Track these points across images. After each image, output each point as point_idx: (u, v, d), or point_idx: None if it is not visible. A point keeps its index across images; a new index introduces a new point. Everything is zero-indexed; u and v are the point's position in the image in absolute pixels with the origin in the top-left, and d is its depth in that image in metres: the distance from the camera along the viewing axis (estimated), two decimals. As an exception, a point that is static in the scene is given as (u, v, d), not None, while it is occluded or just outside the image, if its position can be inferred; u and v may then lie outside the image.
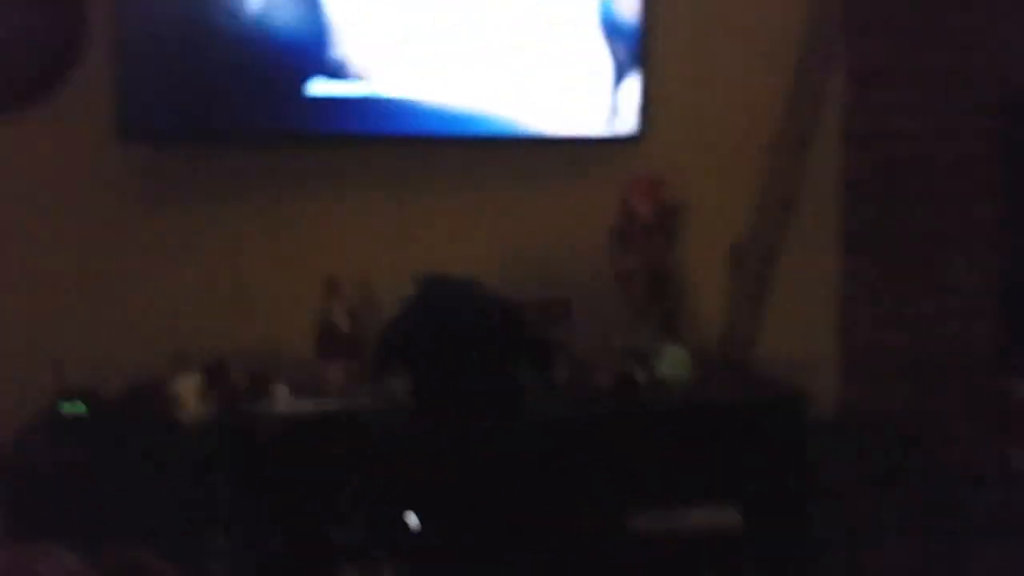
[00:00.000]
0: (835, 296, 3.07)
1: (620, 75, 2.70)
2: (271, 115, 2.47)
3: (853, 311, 3.10)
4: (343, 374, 2.35)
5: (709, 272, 2.92)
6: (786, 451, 2.50)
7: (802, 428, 2.52)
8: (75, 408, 2.19)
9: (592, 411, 2.45)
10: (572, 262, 2.73)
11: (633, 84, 2.71)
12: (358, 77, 2.50)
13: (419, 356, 2.30)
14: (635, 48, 2.70)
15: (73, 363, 2.31)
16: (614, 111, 2.72)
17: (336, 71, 2.48)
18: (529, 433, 2.36)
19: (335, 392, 2.33)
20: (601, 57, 2.69)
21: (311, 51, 2.45)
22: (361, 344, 2.41)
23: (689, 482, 2.44)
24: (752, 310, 2.94)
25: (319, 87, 2.48)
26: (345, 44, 2.48)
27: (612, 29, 2.68)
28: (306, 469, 2.14)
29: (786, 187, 2.94)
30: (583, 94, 2.68)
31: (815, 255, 3.03)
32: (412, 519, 2.22)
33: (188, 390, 2.18)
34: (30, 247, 2.48)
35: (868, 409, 3.09)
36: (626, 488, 2.38)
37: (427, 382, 2.28)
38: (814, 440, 2.67)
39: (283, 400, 2.26)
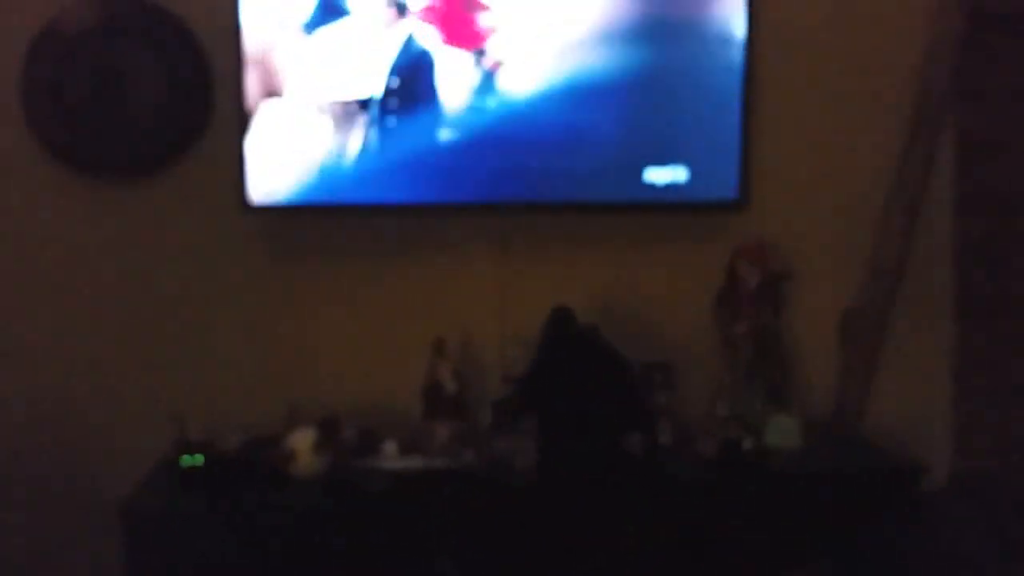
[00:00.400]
0: (948, 365, 2.98)
1: (728, 140, 2.71)
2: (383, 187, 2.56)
3: (967, 380, 2.99)
4: (448, 433, 2.38)
5: (819, 340, 2.87)
6: (899, 521, 2.41)
7: (916, 499, 2.43)
8: (194, 460, 2.27)
9: (697, 475, 2.42)
10: (677, 326, 2.73)
11: (740, 149, 2.72)
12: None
13: (548, 408, 2.30)
14: (742, 113, 2.71)
15: (193, 417, 2.41)
16: (721, 176, 2.72)
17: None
18: (635, 497, 2.33)
19: (440, 451, 2.35)
20: (705, 122, 2.71)
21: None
22: (465, 404, 2.44)
23: (798, 553, 2.38)
24: (862, 379, 2.87)
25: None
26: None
27: (721, 94, 2.70)
28: (411, 523, 2.16)
29: (897, 254, 2.87)
30: (691, 159, 2.70)
31: (927, 323, 2.95)
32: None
33: (303, 444, 2.24)
34: (157, 305, 2.61)
35: (983, 479, 2.97)
36: (733, 555, 2.33)
37: (552, 438, 2.28)
38: (928, 510, 2.58)
39: (391, 457, 2.29)
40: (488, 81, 2.55)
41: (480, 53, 2.54)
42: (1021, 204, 3.04)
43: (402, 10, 2.49)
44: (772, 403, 2.64)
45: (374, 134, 2.51)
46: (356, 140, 2.51)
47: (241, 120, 2.48)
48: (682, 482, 2.38)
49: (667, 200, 2.69)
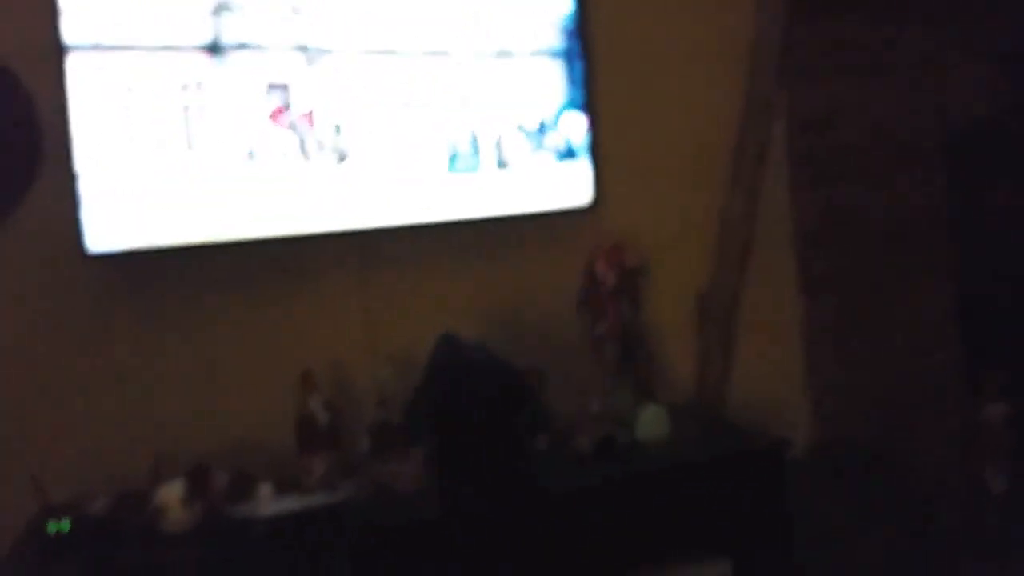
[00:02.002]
0: (800, 338, 3.10)
1: (571, 151, 2.73)
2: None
3: (818, 351, 3.12)
4: (324, 466, 2.31)
5: (677, 327, 2.94)
6: (768, 498, 2.49)
7: (782, 474, 2.51)
8: (60, 526, 2.13)
9: (579, 480, 2.43)
10: (543, 331, 2.73)
11: (584, 157, 2.74)
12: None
13: (443, 425, 2.24)
14: (583, 124, 2.74)
15: (56, 478, 2.26)
16: (569, 184, 2.74)
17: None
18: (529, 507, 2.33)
19: (318, 485, 2.29)
20: (549, 137, 2.72)
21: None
22: (340, 434, 2.38)
23: (677, 538, 2.43)
24: (721, 359, 2.95)
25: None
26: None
27: (562, 106, 2.72)
28: (296, 568, 2.10)
29: (742, 237, 2.96)
30: (536, 171, 2.71)
31: (776, 300, 3.06)
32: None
33: (171, 498, 2.13)
34: (2, 364, 2.44)
35: (842, 444, 3.10)
36: (617, 550, 2.36)
37: (449, 455, 2.22)
38: (793, 480, 2.67)
39: (267, 500, 2.21)
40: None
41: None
42: (856, 178, 3.18)
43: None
44: (641, 395, 2.68)
45: (217, 170, 2.41)
46: (196, 177, 2.40)
47: (71, 168, 2.33)
48: (563, 487, 2.39)
49: (519, 210, 2.70)
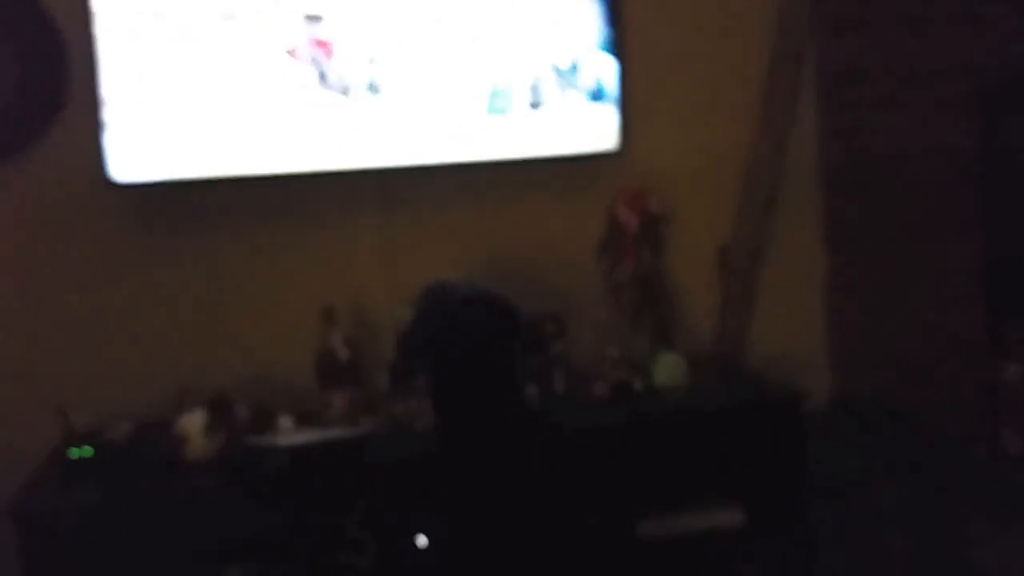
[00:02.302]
0: (822, 291, 3.08)
1: (600, 94, 2.70)
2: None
3: (840, 304, 3.09)
4: (345, 402, 2.33)
5: (699, 277, 2.92)
6: (784, 448, 2.49)
7: (798, 426, 2.51)
8: (82, 452, 2.17)
9: (594, 421, 2.44)
10: (564, 276, 2.73)
11: (612, 101, 2.71)
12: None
13: (439, 357, 2.25)
14: (613, 67, 2.69)
15: (79, 406, 2.29)
16: (595, 128, 2.71)
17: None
18: (534, 444, 2.34)
19: (337, 420, 2.31)
20: (580, 77, 2.68)
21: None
22: (360, 371, 2.40)
23: (691, 485, 2.43)
24: (742, 311, 2.93)
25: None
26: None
27: (590, 50, 2.68)
28: (314, 498, 2.12)
29: (767, 188, 2.93)
30: (565, 113, 2.68)
31: (800, 253, 3.03)
32: (422, 540, 2.20)
33: (193, 427, 2.16)
34: (28, 294, 2.47)
35: (861, 399, 3.09)
36: (630, 495, 2.36)
37: (446, 391, 2.23)
38: (810, 433, 2.67)
39: (287, 432, 2.24)
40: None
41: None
42: (885, 131, 3.13)
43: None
44: (659, 343, 2.67)
45: (241, 104, 2.40)
46: (223, 111, 2.39)
47: (98, 98, 2.33)
48: (576, 428, 2.40)
49: (546, 153, 2.68)
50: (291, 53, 2.42)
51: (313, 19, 2.43)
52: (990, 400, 3.34)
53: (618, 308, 2.70)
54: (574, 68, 2.67)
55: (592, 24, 2.67)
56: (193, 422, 2.16)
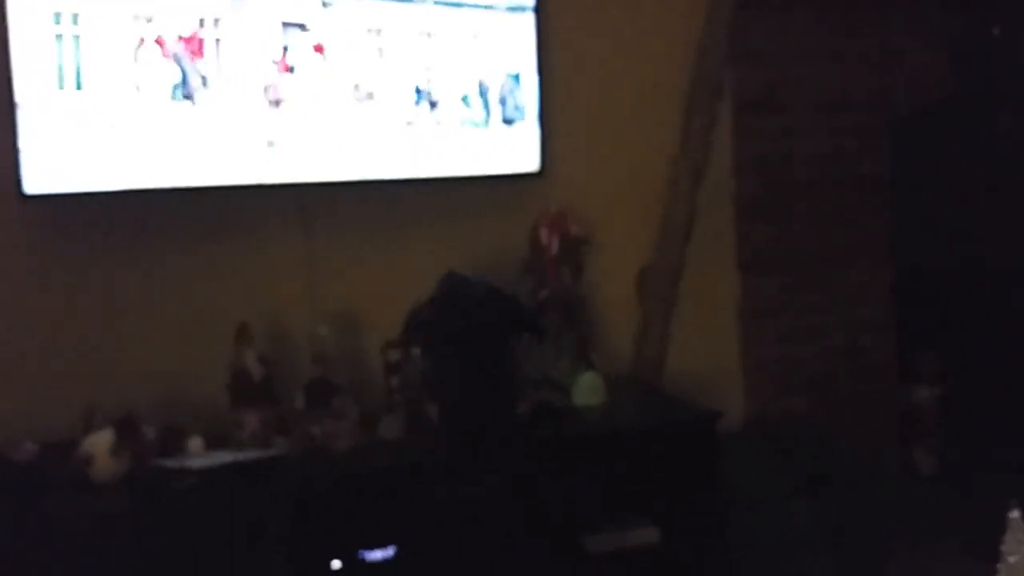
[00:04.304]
0: (738, 314, 3.12)
1: (522, 115, 2.71)
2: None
3: (755, 327, 3.14)
4: (258, 422, 2.28)
5: (620, 298, 2.93)
6: (698, 467, 2.49)
7: (713, 445, 2.52)
8: (-16, 472, 2.08)
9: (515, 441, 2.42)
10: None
11: (534, 123, 2.72)
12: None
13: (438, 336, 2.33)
14: (535, 90, 2.71)
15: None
16: (516, 150, 2.71)
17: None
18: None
19: (249, 441, 2.25)
20: (503, 100, 2.69)
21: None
22: (275, 390, 2.34)
23: (607, 504, 2.42)
24: (660, 332, 2.95)
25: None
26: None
27: (511, 77, 2.69)
28: (223, 521, 2.06)
29: (685, 213, 2.96)
30: (488, 133, 2.68)
31: (716, 276, 3.07)
32: (335, 564, 2.16)
33: (99, 447, 2.08)
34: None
35: (776, 420, 3.13)
36: (548, 514, 2.35)
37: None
38: (726, 453, 2.68)
39: (196, 453, 2.17)
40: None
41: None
42: (799, 159, 3.20)
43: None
44: (579, 363, 2.67)
45: (158, 116, 2.35)
46: (135, 122, 2.33)
47: (11, 109, 2.26)
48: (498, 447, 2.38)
49: (467, 173, 2.67)
50: (195, 59, 2.37)
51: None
52: (902, 422, 3.42)
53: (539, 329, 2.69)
54: (498, 88, 2.67)
55: (516, 45, 2.68)
56: (99, 442, 2.08)
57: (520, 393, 2.55)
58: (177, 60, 2.35)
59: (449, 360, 2.32)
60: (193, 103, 2.37)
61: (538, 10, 2.69)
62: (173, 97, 2.35)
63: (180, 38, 2.35)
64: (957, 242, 3.43)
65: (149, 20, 2.32)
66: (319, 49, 2.48)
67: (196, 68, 2.37)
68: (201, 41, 2.37)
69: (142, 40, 2.32)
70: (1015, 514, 1.74)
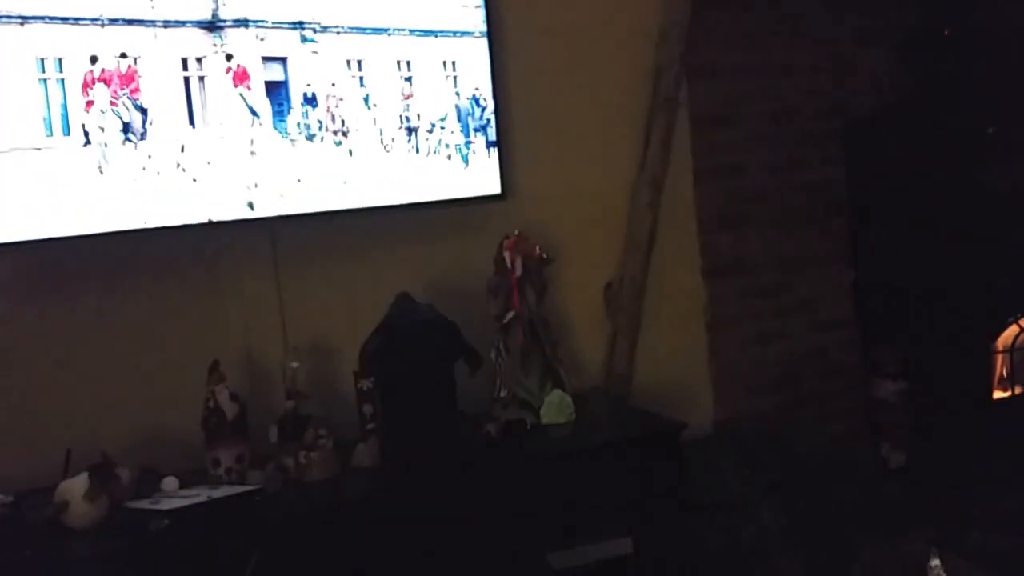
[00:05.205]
0: (703, 321, 3.15)
1: (484, 138, 2.73)
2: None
3: (721, 333, 3.17)
4: (232, 458, 2.29)
5: (587, 314, 2.96)
6: (665, 477, 2.52)
7: (678, 454, 2.55)
8: (-40, 521, 2.08)
9: (485, 460, 2.45)
10: (454, 319, 2.73)
11: (494, 146, 2.74)
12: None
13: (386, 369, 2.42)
14: (494, 116, 2.73)
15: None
16: (480, 172, 2.74)
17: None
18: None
19: (224, 478, 2.27)
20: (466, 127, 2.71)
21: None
22: (247, 426, 2.35)
23: (579, 518, 2.45)
24: (628, 345, 2.98)
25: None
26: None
27: (471, 101, 2.71)
28: (201, 560, 2.08)
29: (647, 226, 2.99)
30: (450, 158, 2.70)
31: (681, 286, 3.10)
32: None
33: (74, 493, 2.09)
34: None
35: (744, 423, 3.16)
36: (521, 530, 2.38)
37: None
38: (695, 458, 2.72)
39: (172, 493, 2.19)
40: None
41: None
42: (757, 169, 3.22)
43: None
44: (547, 382, 2.69)
45: (121, 157, 2.35)
46: (102, 164, 2.33)
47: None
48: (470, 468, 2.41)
49: (433, 199, 2.69)
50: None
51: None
52: (869, 418, 3.46)
53: (506, 348, 2.71)
54: (458, 113, 2.70)
55: (474, 68, 2.70)
56: (74, 488, 2.09)
57: (489, 414, 2.59)
58: (135, 102, 2.36)
59: (390, 390, 2.40)
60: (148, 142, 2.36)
61: (490, 35, 2.71)
62: (129, 139, 2.35)
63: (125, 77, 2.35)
64: (915, 240, 3.48)
65: (95, 60, 2.31)
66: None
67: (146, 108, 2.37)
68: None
69: (92, 80, 2.31)
70: (935, 562, 1.78)
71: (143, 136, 2.36)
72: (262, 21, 2.48)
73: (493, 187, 2.76)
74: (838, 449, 3.30)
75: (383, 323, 2.46)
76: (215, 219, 2.44)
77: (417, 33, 2.66)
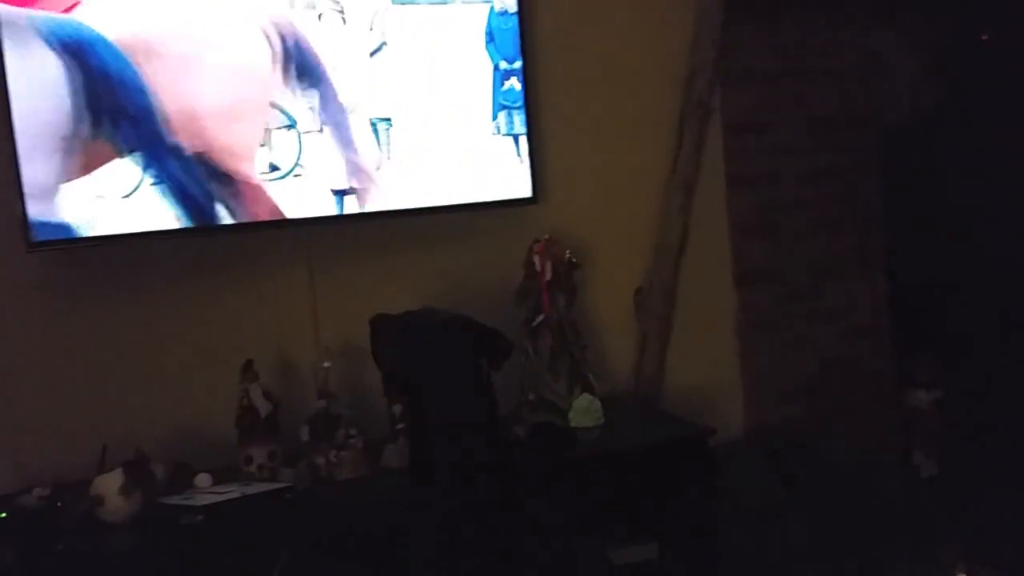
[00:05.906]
0: (734, 328, 3.12)
1: (516, 142, 2.73)
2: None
3: (752, 340, 3.14)
4: (265, 455, 2.30)
5: (617, 319, 2.95)
6: (694, 483, 2.50)
7: (708, 461, 2.52)
8: (-3, 515, 2.11)
9: (512, 463, 2.43)
10: (486, 320, 2.72)
11: (527, 149, 2.73)
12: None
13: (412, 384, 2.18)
14: (525, 120, 2.72)
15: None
16: (512, 176, 2.73)
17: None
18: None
19: (256, 475, 2.28)
20: (498, 128, 2.71)
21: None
22: (281, 423, 2.37)
23: (606, 522, 2.43)
24: (657, 350, 2.96)
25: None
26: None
27: (504, 104, 2.71)
28: (233, 556, 2.09)
29: (678, 232, 2.97)
30: (481, 161, 2.70)
31: (712, 292, 3.07)
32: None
33: (109, 488, 2.11)
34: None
35: (773, 431, 3.13)
36: (549, 535, 2.36)
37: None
38: (725, 464, 2.69)
39: (205, 489, 2.20)
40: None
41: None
42: (792, 176, 3.19)
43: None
44: (576, 385, 2.68)
45: (156, 161, 2.38)
46: (137, 168, 2.36)
47: (16, 157, 2.28)
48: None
49: (464, 201, 2.69)
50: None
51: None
52: (901, 427, 3.40)
53: (536, 352, 2.70)
54: (493, 116, 2.69)
55: (508, 72, 2.70)
56: (109, 483, 2.11)
57: (518, 416, 2.58)
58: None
59: (417, 400, 2.19)
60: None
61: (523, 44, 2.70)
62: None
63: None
64: (950, 248, 3.42)
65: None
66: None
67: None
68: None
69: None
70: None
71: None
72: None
73: (524, 190, 2.76)
74: (869, 458, 3.25)
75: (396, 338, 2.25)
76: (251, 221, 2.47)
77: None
